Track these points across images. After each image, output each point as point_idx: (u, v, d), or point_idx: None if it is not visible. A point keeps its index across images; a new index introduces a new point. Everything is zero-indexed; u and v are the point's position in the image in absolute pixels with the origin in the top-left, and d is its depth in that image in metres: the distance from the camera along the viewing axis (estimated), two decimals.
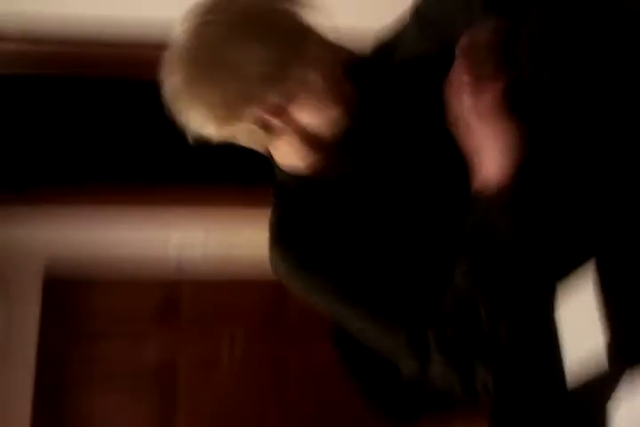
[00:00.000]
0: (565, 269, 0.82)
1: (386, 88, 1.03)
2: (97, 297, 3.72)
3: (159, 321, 3.71)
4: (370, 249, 1.02)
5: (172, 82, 0.92)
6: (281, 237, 1.06)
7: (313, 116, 0.91)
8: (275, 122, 0.91)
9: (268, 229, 1.08)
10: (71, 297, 3.70)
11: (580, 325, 0.75)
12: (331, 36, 0.96)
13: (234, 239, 3.65)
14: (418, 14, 1.02)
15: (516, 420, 0.87)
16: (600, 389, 0.72)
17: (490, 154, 0.88)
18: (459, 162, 0.93)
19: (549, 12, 0.92)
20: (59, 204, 3.48)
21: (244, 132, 0.94)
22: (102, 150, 3.50)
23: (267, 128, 0.92)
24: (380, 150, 1.02)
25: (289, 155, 0.97)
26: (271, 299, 3.65)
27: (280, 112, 0.91)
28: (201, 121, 0.91)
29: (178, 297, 3.74)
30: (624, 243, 0.78)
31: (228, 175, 3.38)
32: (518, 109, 0.89)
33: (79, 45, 2.20)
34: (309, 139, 0.92)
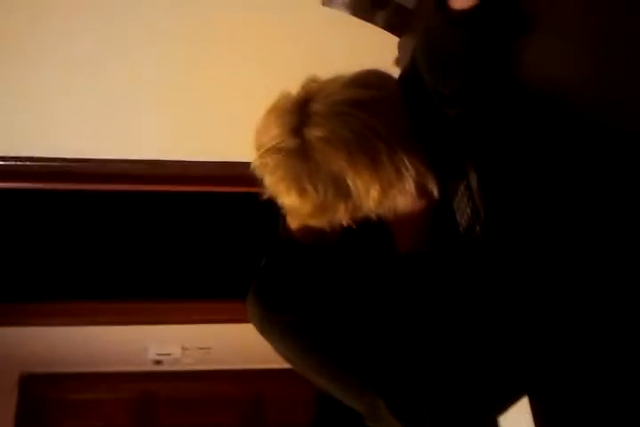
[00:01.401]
0: None
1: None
2: (73, 392, 3.70)
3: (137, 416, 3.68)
4: (342, 315, 1.11)
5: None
6: (259, 288, 1.17)
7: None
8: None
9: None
10: (47, 392, 3.67)
11: None
12: None
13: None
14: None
15: None
16: None
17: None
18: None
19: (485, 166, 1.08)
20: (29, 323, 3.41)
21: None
22: (76, 268, 3.44)
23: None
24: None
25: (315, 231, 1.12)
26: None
27: None
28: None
29: (155, 390, 3.73)
30: (555, 377, 0.89)
31: (202, 292, 3.38)
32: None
33: None
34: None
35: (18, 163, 2.26)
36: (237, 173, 1.69)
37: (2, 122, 2.21)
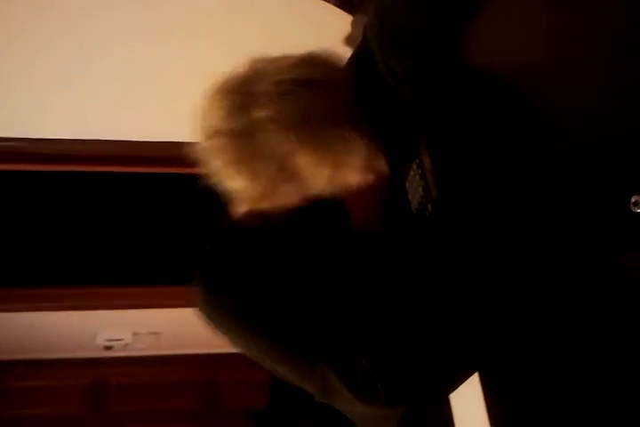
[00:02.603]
0: None
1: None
2: (21, 379, 3.64)
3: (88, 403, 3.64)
4: (293, 295, 1.09)
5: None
6: (204, 273, 1.13)
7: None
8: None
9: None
10: None
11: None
12: None
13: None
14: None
15: None
16: None
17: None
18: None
19: (437, 145, 1.07)
20: None
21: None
22: (22, 253, 3.33)
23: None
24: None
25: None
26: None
27: None
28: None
29: (106, 376, 3.69)
30: (506, 356, 0.90)
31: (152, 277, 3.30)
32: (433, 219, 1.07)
33: None
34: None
35: None
36: (180, 153, 1.65)
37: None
